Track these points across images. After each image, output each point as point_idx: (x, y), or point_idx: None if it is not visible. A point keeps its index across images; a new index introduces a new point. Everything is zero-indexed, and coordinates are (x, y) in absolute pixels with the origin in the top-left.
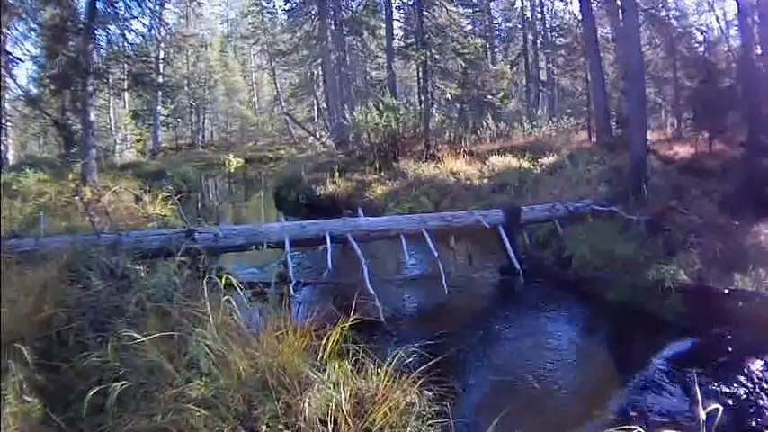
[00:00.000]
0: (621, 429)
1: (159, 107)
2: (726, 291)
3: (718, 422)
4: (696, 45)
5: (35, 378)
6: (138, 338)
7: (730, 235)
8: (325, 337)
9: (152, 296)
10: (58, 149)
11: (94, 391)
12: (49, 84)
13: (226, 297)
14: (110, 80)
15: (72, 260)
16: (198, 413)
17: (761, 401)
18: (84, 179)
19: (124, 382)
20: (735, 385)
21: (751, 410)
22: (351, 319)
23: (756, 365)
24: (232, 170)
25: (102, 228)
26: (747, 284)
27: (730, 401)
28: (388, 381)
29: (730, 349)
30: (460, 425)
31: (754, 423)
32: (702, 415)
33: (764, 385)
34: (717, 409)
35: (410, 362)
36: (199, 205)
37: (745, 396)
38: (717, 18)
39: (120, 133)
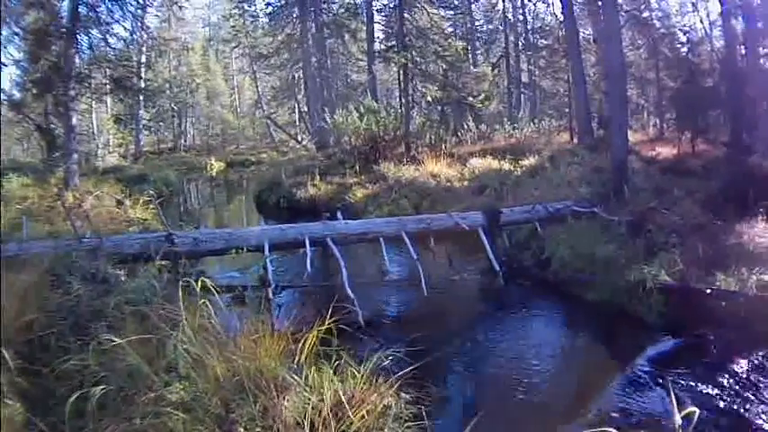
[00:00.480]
0: (595, 431)
1: (141, 111)
2: (708, 291)
3: (704, 421)
4: (679, 45)
5: (17, 382)
6: (118, 342)
7: (713, 235)
8: (303, 341)
9: (131, 300)
10: (41, 154)
11: (76, 395)
12: (31, 88)
13: (203, 300)
14: (92, 84)
15: (54, 265)
16: (176, 416)
17: (743, 401)
18: (66, 184)
19: (104, 386)
20: (717, 386)
21: (733, 410)
22: (329, 323)
23: (739, 365)
24: (214, 174)
25: (84, 232)
26: (730, 284)
27: (713, 402)
28: (365, 384)
29: (713, 350)
30: (437, 427)
31: (736, 423)
32: (678, 420)
33: (747, 385)
34: (693, 412)
35: (388, 365)
36: (180, 209)
37: (727, 396)
38: (701, 19)
39: (102, 137)
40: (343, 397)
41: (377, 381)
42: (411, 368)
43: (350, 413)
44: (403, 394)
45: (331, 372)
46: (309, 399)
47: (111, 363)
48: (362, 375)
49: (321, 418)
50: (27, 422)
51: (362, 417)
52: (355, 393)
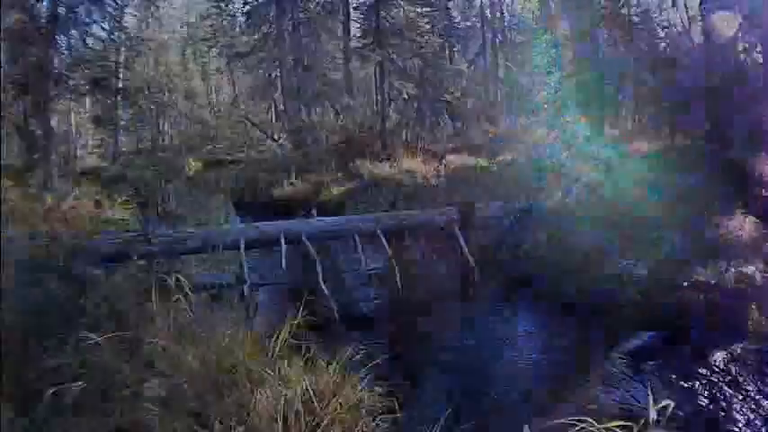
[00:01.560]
0: (571, 420)
1: (120, 112)
2: (686, 283)
3: (683, 413)
4: (658, 41)
5: None
6: (96, 340)
7: (691, 228)
8: (276, 336)
9: (109, 299)
10: (21, 155)
11: (55, 392)
12: (10, 89)
13: (176, 298)
14: (70, 85)
15: (32, 265)
16: (153, 412)
17: (720, 392)
18: (45, 185)
19: (82, 383)
20: (694, 377)
21: (710, 401)
22: (302, 319)
23: (716, 357)
24: (192, 173)
25: (62, 233)
26: (708, 277)
27: (689, 393)
28: (337, 378)
29: (690, 342)
30: (410, 420)
31: (712, 414)
32: (653, 412)
33: (724, 376)
34: (668, 404)
35: (361, 359)
36: (158, 209)
37: (704, 388)
38: (681, 18)
39: (81, 138)
40: (315, 390)
41: (350, 374)
42: (385, 361)
43: (322, 406)
44: (376, 388)
45: (303, 366)
46: (283, 393)
47: (90, 361)
48: (335, 369)
49: (294, 411)
50: (8, 421)
51: (335, 409)
52: (328, 387)
